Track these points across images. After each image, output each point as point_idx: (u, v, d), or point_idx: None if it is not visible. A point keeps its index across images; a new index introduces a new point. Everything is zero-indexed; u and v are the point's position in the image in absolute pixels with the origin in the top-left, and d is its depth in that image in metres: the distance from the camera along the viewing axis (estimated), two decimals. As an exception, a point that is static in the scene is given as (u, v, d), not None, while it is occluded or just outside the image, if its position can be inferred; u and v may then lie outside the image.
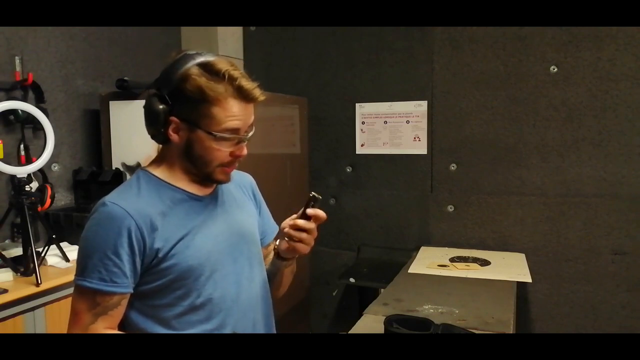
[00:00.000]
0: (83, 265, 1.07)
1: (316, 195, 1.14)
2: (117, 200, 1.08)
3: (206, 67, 1.07)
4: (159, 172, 1.16)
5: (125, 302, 1.09)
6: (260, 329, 1.26)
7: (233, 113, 1.07)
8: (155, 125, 1.10)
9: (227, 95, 1.06)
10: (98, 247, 1.06)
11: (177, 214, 1.12)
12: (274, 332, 1.33)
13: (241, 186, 1.32)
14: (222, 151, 1.10)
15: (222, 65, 1.07)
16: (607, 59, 2.69)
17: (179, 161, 1.15)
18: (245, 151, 1.13)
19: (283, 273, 1.30)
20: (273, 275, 1.31)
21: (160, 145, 1.18)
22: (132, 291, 1.09)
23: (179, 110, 1.09)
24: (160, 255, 1.08)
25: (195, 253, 1.12)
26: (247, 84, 1.07)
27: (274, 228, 1.35)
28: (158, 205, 1.11)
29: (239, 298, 1.19)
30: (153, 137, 1.15)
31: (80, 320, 1.07)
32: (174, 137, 1.11)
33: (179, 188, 1.15)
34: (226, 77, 1.05)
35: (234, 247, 1.20)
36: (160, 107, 1.09)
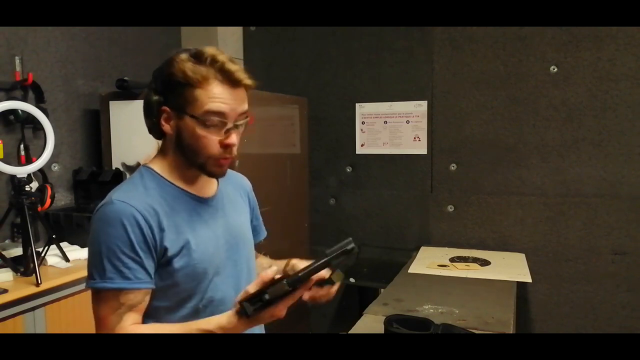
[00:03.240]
0: (101, 268, 1.03)
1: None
2: (125, 198, 1.06)
3: (193, 54, 1.07)
4: (161, 170, 1.15)
5: (148, 298, 1.07)
6: (257, 329, 1.25)
7: (215, 94, 1.05)
8: (150, 116, 1.11)
9: (209, 77, 1.05)
10: (114, 246, 1.03)
11: (180, 215, 1.11)
12: (272, 332, 1.33)
13: (239, 188, 1.32)
14: (209, 139, 1.07)
15: (208, 50, 1.07)
16: (607, 59, 2.69)
17: (175, 156, 1.13)
18: (234, 139, 1.08)
19: None
20: None
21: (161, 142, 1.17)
22: (154, 286, 1.07)
23: (169, 99, 1.08)
24: (168, 255, 1.07)
25: (200, 256, 1.11)
26: (231, 66, 1.06)
27: (262, 233, 1.39)
28: (163, 205, 1.10)
29: None
30: (150, 131, 1.14)
31: (106, 325, 1.04)
32: (166, 127, 1.10)
33: (181, 189, 1.14)
34: (208, 60, 1.05)
35: (233, 250, 1.20)
36: (154, 98, 1.09)
